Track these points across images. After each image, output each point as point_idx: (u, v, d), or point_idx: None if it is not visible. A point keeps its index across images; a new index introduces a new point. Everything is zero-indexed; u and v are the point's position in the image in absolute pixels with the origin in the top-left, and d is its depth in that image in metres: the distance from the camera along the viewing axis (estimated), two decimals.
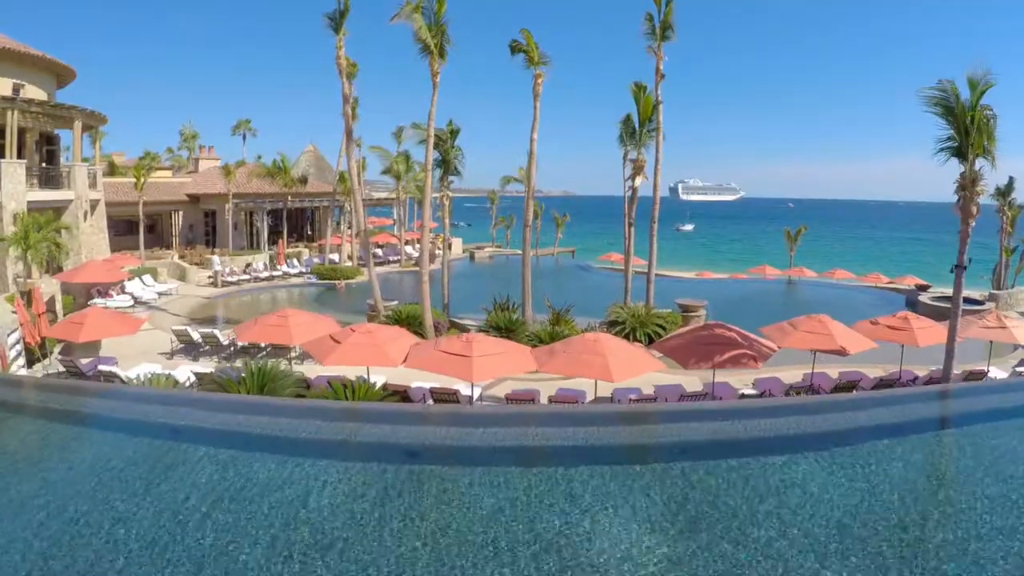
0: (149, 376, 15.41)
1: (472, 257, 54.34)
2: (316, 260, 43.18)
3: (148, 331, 21.92)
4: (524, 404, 14.90)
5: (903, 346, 17.40)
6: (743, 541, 3.89)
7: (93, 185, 31.79)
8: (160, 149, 67.70)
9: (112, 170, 46.87)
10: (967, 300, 17.18)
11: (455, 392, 15.10)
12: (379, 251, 46.92)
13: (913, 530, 4.22)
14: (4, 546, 3.81)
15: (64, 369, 17.57)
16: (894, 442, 5.98)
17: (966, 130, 14.33)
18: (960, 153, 14.69)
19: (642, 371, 14.58)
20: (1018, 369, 18.82)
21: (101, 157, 39.95)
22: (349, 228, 45.32)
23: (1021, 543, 3.85)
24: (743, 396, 16.09)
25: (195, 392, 14.81)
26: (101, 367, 16.99)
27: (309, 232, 52.29)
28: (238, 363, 17.30)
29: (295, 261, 42.07)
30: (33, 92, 30.47)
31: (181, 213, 45.23)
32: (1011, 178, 33.47)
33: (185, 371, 17.01)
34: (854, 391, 16.51)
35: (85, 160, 33.27)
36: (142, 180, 38.25)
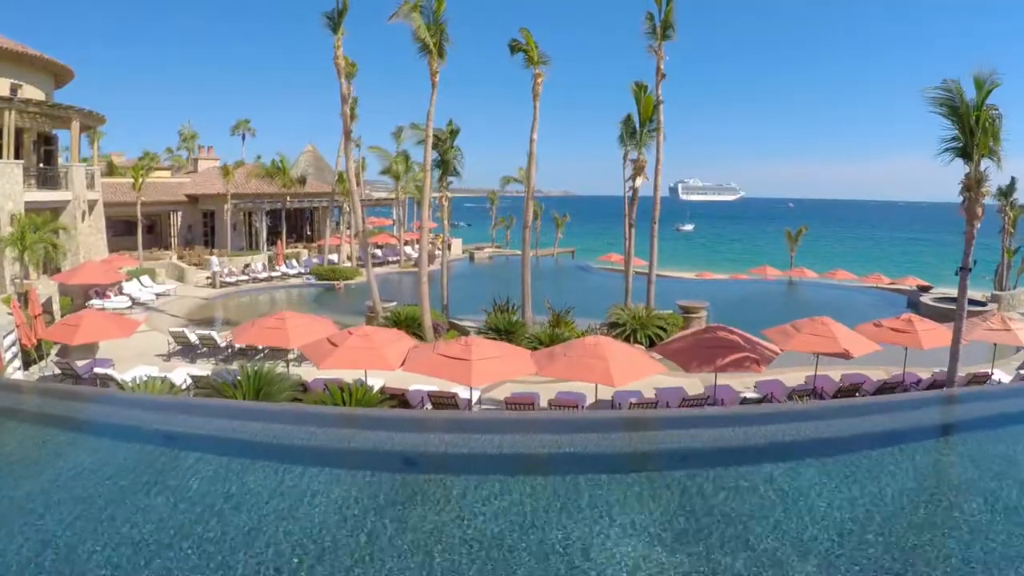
0: (145, 379, 15.26)
1: (472, 258, 54.20)
2: (315, 261, 43.04)
3: (145, 333, 21.81)
4: (523, 408, 14.77)
5: (906, 348, 17.24)
6: (742, 551, 3.75)
7: (91, 185, 31.64)
8: (159, 149, 67.59)
9: (111, 170, 46.80)
10: (969, 301, 17.02)
11: (454, 396, 14.94)
12: (378, 251, 46.81)
13: (918, 539, 4.09)
14: None
15: (60, 371, 17.44)
16: (895, 449, 5.85)
17: (971, 130, 14.15)
18: (965, 154, 14.50)
19: (643, 375, 14.44)
20: (1022, 372, 18.66)
21: (100, 157, 39.83)
22: (348, 228, 45.12)
23: None
24: (745, 399, 15.94)
25: (191, 398, 14.66)
26: (97, 370, 16.83)
27: (308, 233, 52.12)
28: (235, 366, 17.16)
29: (294, 262, 41.93)
30: (31, 92, 30.37)
31: (180, 213, 45.05)
32: (1013, 178, 33.26)
33: (181, 374, 16.87)
34: (857, 394, 16.37)
35: (83, 160, 33.18)
36: (140, 180, 38.19)
